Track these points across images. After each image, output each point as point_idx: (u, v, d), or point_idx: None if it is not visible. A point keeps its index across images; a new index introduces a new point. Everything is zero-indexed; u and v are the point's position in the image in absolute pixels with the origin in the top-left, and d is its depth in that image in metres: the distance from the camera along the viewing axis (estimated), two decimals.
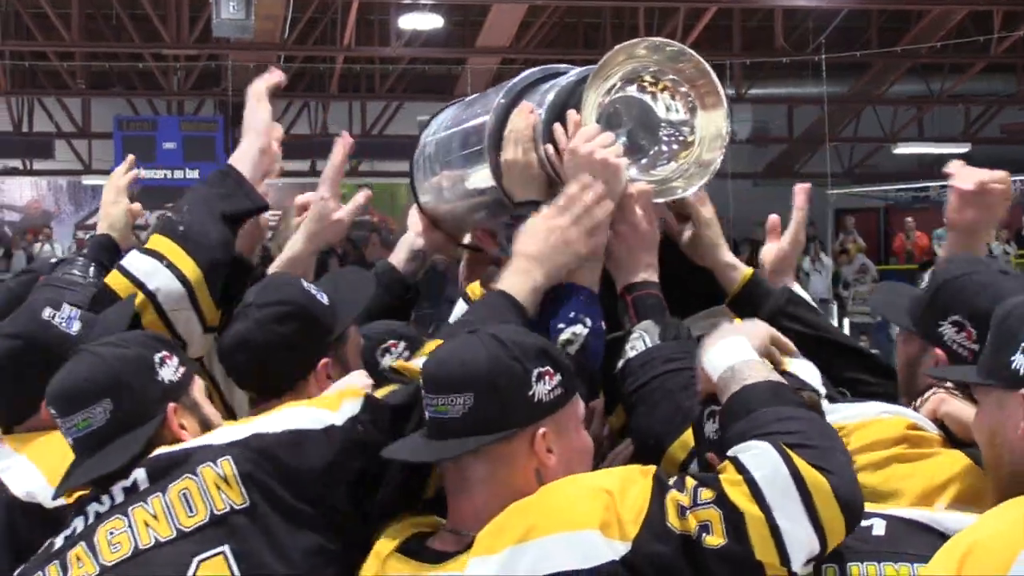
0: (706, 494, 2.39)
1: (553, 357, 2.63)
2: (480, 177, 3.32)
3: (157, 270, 3.38)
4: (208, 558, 2.62)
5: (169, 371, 2.90)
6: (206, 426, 2.93)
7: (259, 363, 3.20)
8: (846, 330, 18.56)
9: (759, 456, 2.42)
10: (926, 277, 3.34)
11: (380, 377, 3.13)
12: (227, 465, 2.68)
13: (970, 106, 28.28)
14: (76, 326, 3.34)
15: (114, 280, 3.42)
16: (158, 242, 3.44)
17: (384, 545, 2.63)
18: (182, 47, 23.60)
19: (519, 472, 2.56)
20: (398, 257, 3.71)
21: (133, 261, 3.44)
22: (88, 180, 27.31)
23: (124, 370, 2.83)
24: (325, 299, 3.30)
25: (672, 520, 2.39)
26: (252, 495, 2.66)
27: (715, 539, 2.35)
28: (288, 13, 22.65)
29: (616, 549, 2.38)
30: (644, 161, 3.17)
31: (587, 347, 2.97)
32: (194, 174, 24.56)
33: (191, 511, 2.67)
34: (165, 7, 22.78)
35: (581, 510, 2.44)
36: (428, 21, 23.18)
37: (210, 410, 3.00)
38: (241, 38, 20.35)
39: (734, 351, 2.74)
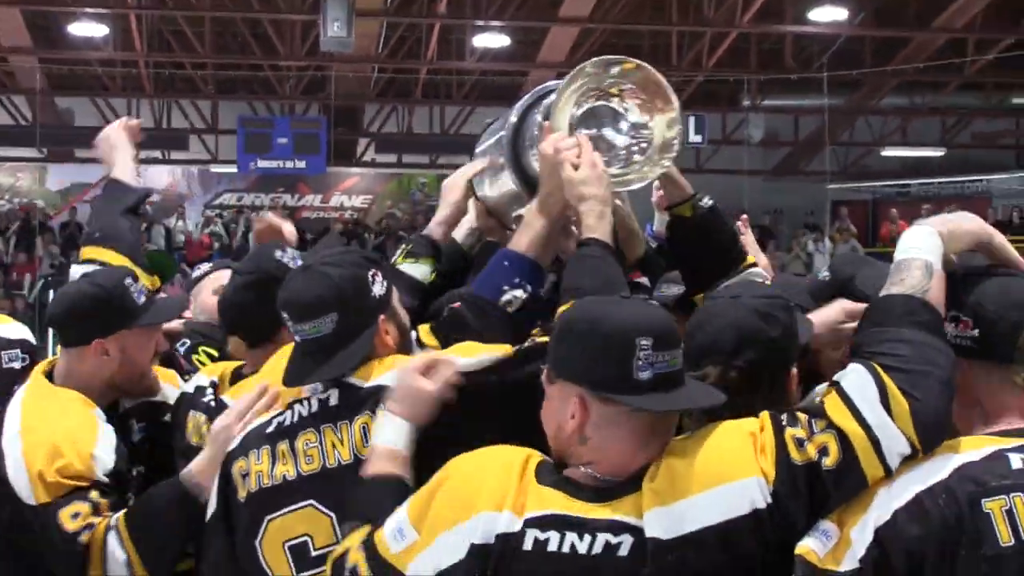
0: (819, 424, 2.27)
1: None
2: (506, 180, 3.29)
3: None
4: None
5: (379, 286, 2.85)
6: (403, 330, 2.91)
7: (237, 319, 3.37)
8: None
9: (856, 379, 2.31)
10: None
11: None
12: None
13: (946, 117, 27.97)
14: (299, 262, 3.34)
15: None
16: (86, 252, 3.79)
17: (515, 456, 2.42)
18: (294, 59, 23.67)
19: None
20: (459, 233, 3.60)
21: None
22: (215, 168, 27.46)
23: (347, 288, 2.78)
24: (299, 263, 3.27)
25: (795, 455, 2.26)
26: None
27: (831, 460, 2.24)
28: (382, 32, 22.72)
29: (766, 492, 2.24)
30: (618, 155, 3.09)
31: (523, 308, 2.93)
32: (302, 164, 24.68)
33: (366, 443, 2.66)
34: (281, 26, 22.86)
35: (744, 458, 2.29)
36: (497, 40, 23.21)
37: (404, 316, 2.97)
38: (343, 52, 20.40)
39: (915, 241, 2.51)
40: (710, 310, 2.71)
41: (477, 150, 3.64)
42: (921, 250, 2.46)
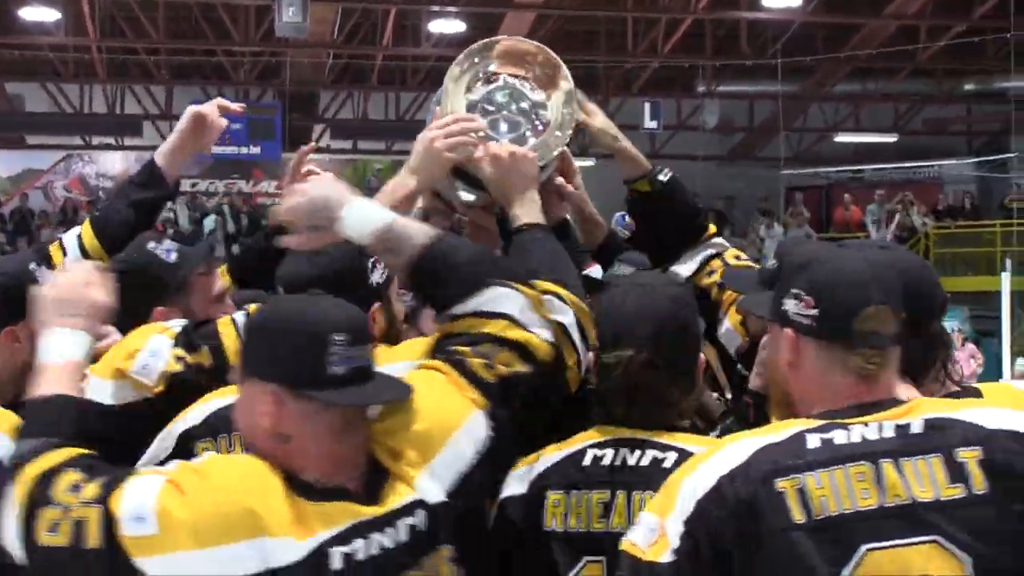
0: (484, 346, 2.53)
1: None
2: None
3: (73, 243, 3.46)
4: None
5: (377, 274, 2.87)
6: (392, 320, 2.92)
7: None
8: None
9: (501, 297, 2.59)
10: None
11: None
12: None
13: (898, 103, 28.20)
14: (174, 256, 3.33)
15: (55, 248, 3.50)
16: (83, 227, 3.54)
17: None
18: (249, 45, 23.58)
19: None
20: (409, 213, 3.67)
21: (66, 238, 3.52)
22: None
23: (345, 271, 2.79)
24: (172, 256, 3.31)
25: (488, 376, 2.51)
26: None
27: (518, 367, 2.54)
28: (337, 18, 22.65)
29: (488, 418, 2.49)
30: (524, 133, 3.12)
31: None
32: (256, 150, 24.61)
33: None
34: (235, 11, 22.75)
35: (456, 400, 2.49)
36: (452, 26, 23.19)
37: (399, 307, 2.99)
38: (298, 38, 20.35)
39: (373, 212, 2.72)
40: (623, 296, 2.74)
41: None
42: (385, 215, 2.68)
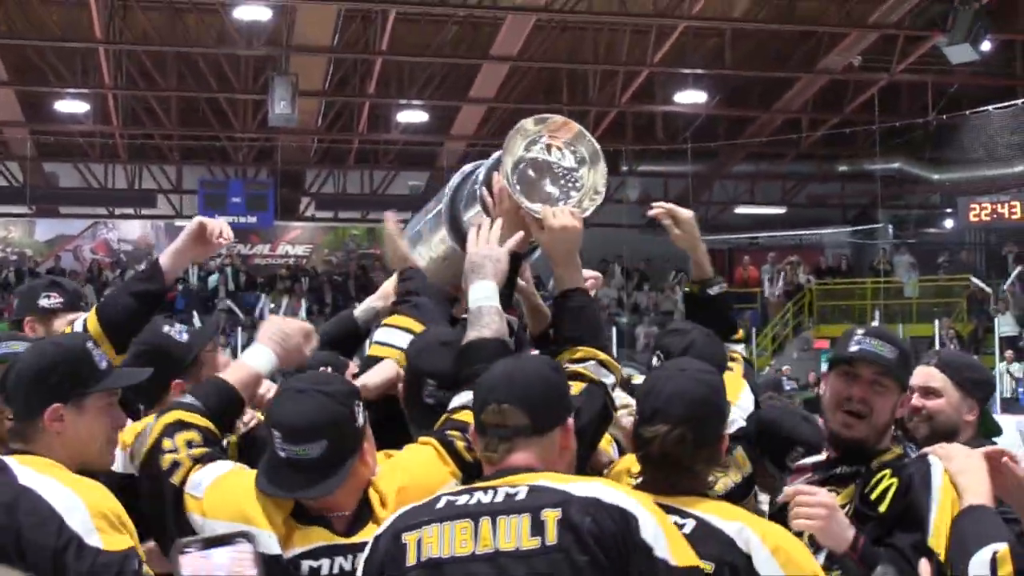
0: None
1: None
2: (438, 244, 3.33)
3: (80, 327, 3.34)
4: None
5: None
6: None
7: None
8: None
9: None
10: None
11: None
12: None
13: (786, 181, 28.45)
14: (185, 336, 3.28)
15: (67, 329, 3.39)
16: (89, 315, 3.35)
17: None
18: (246, 132, 23.57)
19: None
20: (359, 308, 3.66)
21: (77, 323, 3.41)
22: (179, 223, 27.09)
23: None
24: (184, 336, 3.27)
25: (465, 455, 2.59)
26: None
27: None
28: (321, 108, 22.76)
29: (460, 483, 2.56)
30: (553, 199, 3.03)
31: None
32: (253, 219, 24.55)
33: None
34: (236, 104, 22.76)
35: (438, 466, 2.60)
36: (417, 116, 23.33)
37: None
38: (287, 126, 20.39)
39: (486, 294, 2.81)
40: (661, 377, 2.62)
41: (408, 234, 3.55)
42: (490, 299, 2.78)
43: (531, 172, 3.03)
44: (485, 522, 2.22)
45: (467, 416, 2.58)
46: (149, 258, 3.41)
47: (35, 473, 2.44)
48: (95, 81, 20.84)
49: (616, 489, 2.30)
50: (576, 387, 2.73)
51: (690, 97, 22.18)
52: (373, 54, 19.70)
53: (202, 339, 3.34)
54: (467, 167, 3.34)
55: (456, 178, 3.35)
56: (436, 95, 22.26)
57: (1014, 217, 23.01)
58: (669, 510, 2.43)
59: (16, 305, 3.66)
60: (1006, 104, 20.91)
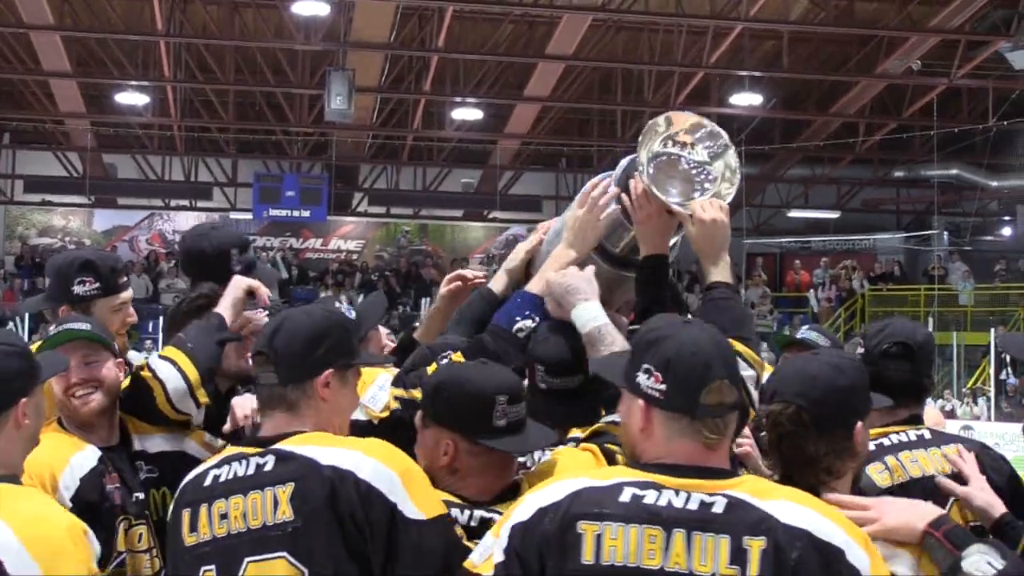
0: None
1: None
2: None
3: (171, 371, 3.17)
4: None
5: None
6: None
7: None
8: None
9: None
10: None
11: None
12: None
13: (841, 186, 28.23)
14: None
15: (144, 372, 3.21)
16: (171, 352, 3.22)
17: None
18: (302, 126, 23.68)
19: None
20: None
21: (154, 362, 3.21)
22: (234, 215, 27.36)
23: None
24: (352, 314, 3.37)
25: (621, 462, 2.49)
26: None
27: None
28: (376, 105, 22.82)
29: None
30: (694, 190, 2.98)
31: (531, 335, 2.92)
32: (306, 213, 24.70)
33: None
34: (292, 98, 22.89)
35: (591, 466, 2.55)
36: (472, 113, 23.32)
37: None
38: (343, 121, 20.46)
39: (595, 314, 2.78)
40: (792, 363, 2.55)
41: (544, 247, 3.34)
42: (598, 319, 2.77)
43: (663, 171, 2.99)
44: (679, 536, 2.04)
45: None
46: (209, 311, 3.22)
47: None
48: (155, 74, 21.05)
49: (828, 519, 2.10)
50: None
51: (746, 99, 22.02)
52: (429, 51, 19.75)
53: (372, 318, 3.46)
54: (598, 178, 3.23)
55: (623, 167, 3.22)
56: (491, 93, 22.26)
57: None
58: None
59: (49, 287, 3.43)
60: None
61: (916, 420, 3.13)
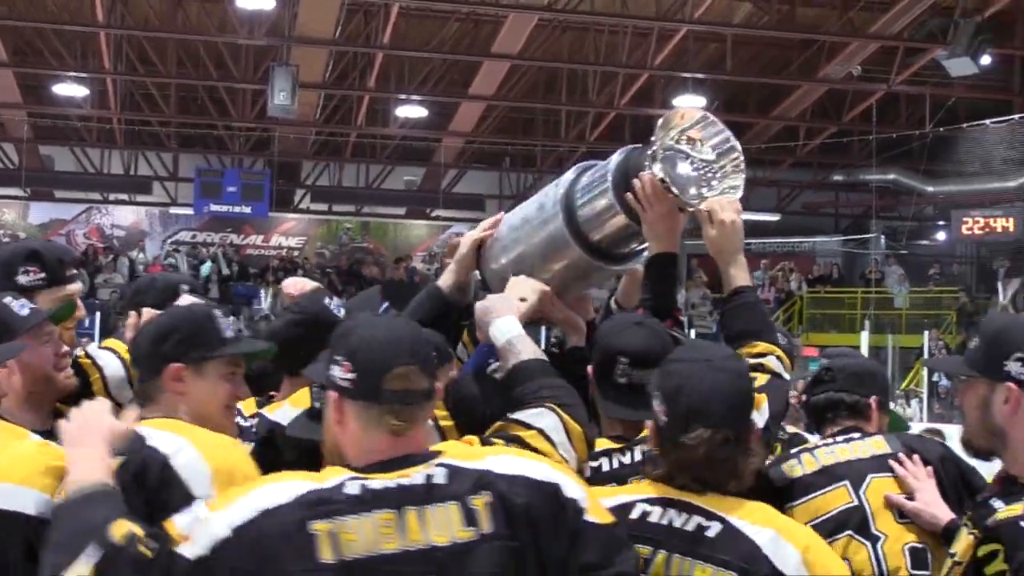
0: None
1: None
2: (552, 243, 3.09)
3: (111, 358, 3.20)
4: None
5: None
6: None
7: (285, 349, 3.08)
8: (692, 335, 18.51)
9: (540, 415, 2.45)
10: None
11: None
12: None
13: (781, 189, 28.46)
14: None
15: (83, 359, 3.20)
16: (112, 342, 3.28)
17: None
18: (244, 121, 23.51)
19: None
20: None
21: (94, 350, 3.25)
22: (174, 210, 27.10)
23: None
24: (341, 312, 3.28)
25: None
26: None
27: None
28: (320, 101, 22.70)
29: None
30: (701, 187, 3.01)
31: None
32: (248, 209, 24.50)
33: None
34: (235, 93, 22.70)
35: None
36: (416, 111, 23.27)
37: None
38: (286, 117, 20.33)
39: (509, 327, 2.69)
40: (689, 373, 2.39)
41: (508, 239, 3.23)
42: (512, 331, 2.69)
43: (673, 167, 2.96)
44: (411, 514, 2.06)
45: (521, 431, 2.43)
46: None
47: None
48: (95, 66, 20.76)
49: (538, 462, 2.21)
50: (761, 378, 2.62)
51: (689, 101, 22.11)
52: (374, 48, 19.67)
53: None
54: (569, 174, 3.14)
55: (567, 180, 3.13)
56: (435, 91, 22.23)
57: (1006, 232, 23.06)
58: (694, 510, 2.32)
59: None
60: (1003, 119, 20.91)
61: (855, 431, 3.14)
